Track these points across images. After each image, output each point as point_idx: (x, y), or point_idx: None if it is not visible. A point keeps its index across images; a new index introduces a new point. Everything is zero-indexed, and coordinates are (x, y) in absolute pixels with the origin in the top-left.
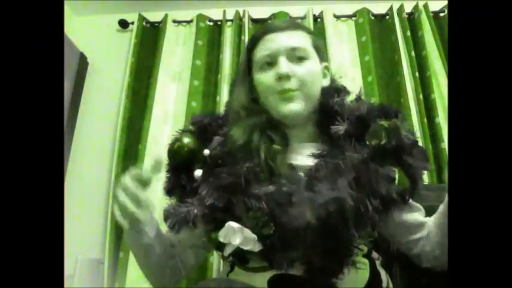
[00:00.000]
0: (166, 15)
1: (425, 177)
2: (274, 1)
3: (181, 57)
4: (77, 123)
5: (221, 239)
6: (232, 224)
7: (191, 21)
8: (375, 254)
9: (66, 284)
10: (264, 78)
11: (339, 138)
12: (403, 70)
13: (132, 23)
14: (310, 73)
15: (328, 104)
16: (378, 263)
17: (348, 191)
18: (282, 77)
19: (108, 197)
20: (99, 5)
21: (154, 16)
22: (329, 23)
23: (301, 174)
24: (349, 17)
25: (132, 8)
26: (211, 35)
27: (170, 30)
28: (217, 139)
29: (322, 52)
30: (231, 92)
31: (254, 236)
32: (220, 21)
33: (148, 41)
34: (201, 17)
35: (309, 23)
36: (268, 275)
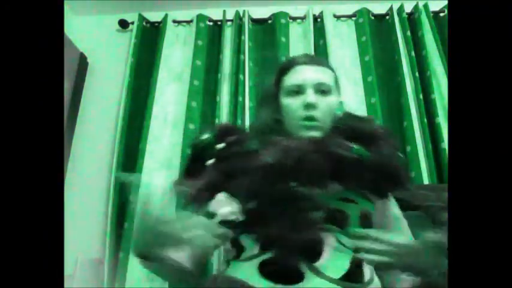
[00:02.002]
0: (166, 15)
1: (425, 178)
2: (274, 1)
3: (181, 57)
4: (77, 123)
5: (211, 208)
6: (220, 196)
7: (191, 21)
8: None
9: (66, 284)
10: (292, 104)
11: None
12: (403, 70)
13: (132, 23)
14: (331, 106)
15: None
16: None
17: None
18: (309, 106)
19: (108, 197)
20: (99, 5)
21: (154, 16)
22: (329, 23)
23: None
24: (349, 17)
25: (132, 8)
26: (211, 35)
27: (170, 30)
28: (229, 138)
29: (339, 87)
30: (258, 110)
31: (237, 208)
32: (220, 21)
33: (148, 41)
34: (201, 17)
35: (309, 23)
36: (258, 261)
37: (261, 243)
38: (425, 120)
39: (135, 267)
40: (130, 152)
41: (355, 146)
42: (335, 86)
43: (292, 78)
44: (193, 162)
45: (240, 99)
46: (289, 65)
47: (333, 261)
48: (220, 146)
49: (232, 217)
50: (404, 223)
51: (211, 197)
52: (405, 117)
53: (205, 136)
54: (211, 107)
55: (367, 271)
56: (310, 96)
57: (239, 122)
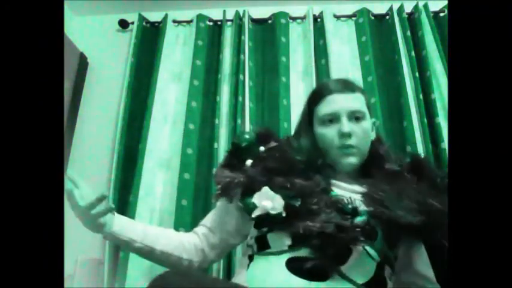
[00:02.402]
0: (166, 15)
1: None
2: (274, 1)
3: (181, 57)
4: (77, 123)
5: (255, 200)
6: (267, 189)
7: (191, 21)
8: (387, 270)
9: (66, 284)
10: (327, 133)
11: (388, 175)
12: (403, 70)
13: (132, 23)
14: (365, 132)
15: (376, 151)
16: (387, 273)
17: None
18: (344, 135)
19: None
20: (99, 5)
21: (154, 16)
22: (329, 23)
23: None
24: (349, 17)
25: (132, 8)
26: (211, 35)
27: (170, 30)
28: (272, 143)
29: (370, 108)
30: (296, 136)
31: (282, 203)
32: (220, 21)
33: (148, 41)
34: (201, 17)
35: (309, 23)
36: (286, 257)
37: (295, 239)
38: (425, 120)
39: (135, 267)
40: (130, 152)
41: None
42: (367, 110)
43: (326, 108)
44: (232, 158)
45: (240, 99)
46: (321, 94)
47: (359, 267)
48: (262, 148)
49: (274, 212)
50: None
51: (252, 190)
52: (405, 117)
53: (248, 136)
54: (211, 107)
55: (390, 283)
56: (345, 125)
57: (239, 122)
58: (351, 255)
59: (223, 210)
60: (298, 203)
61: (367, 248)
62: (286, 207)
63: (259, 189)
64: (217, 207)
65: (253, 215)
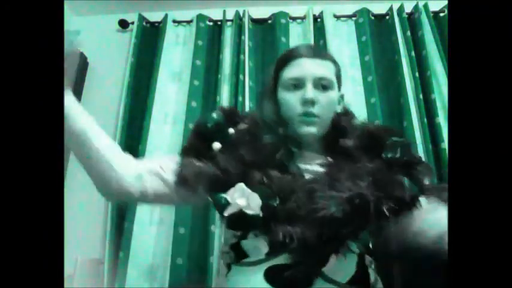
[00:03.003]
0: (166, 15)
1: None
2: (274, 1)
3: (181, 57)
4: None
5: (228, 198)
6: (243, 186)
7: (191, 21)
8: (367, 258)
9: (66, 284)
10: (290, 98)
11: (345, 151)
12: (403, 70)
13: (132, 23)
14: (330, 102)
15: (338, 122)
16: (368, 263)
17: (369, 189)
18: (308, 102)
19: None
20: (99, 5)
21: (154, 16)
22: (329, 23)
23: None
24: (349, 17)
25: (132, 8)
26: (211, 35)
27: (170, 30)
28: (242, 125)
29: (341, 80)
30: (259, 105)
31: (259, 202)
32: (220, 21)
33: (148, 41)
34: (201, 17)
35: (309, 23)
36: (264, 267)
37: (273, 245)
38: (425, 120)
39: (135, 267)
40: (131, 152)
41: (406, 183)
42: (336, 80)
43: (291, 71)
44: (197, 140)
45: (240, 99)
46: (289, 57)
47: (340, 265)
48: (232, 131)
49: (250, 212)
50: None
51: (223, 184)
52: (405, 117)
53: (215, 115)
54: (211, 107)
55: (372, 273)
56: (309, 91)
57: None
58: (332, 255)
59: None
60: (276, 203)
61: (347, 243)
62: (263, 207)
63: (232, 183)
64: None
65: (225, 213)
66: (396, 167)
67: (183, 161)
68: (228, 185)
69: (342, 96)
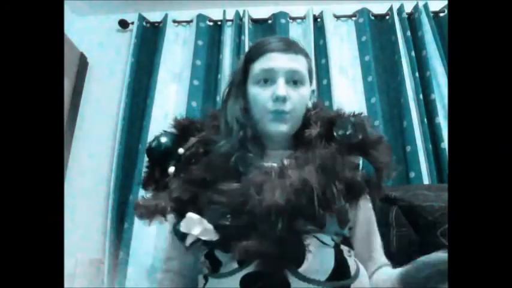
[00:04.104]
0: (166, 15)
1: (425, 178)
2: (274, 1)
3: (181, 57)
4: (77, 123)
5: (182, 229)
6: (192, 215)
7: (191, 21)
8: (345, 249)
9: (66, 284)
10: (260, 94)
11: (311, 141)
12: (403, 70)
13: (132, 23)
14: (302, 98)
15: (307, 116)
16: (346, 253)
17: (313, 174)
18: (279, 99)
19: (108, 197)
20: (99, 5)
21: (154, 16)
22: (329, 23)
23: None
24: (349, 17)
25: (132, 8)
26: (211, 35)
27: (170, 30)
28: (192, 140)
29: (312, 74)
30: (225, 100)
31: (211, 226)
32: (220, 21)
33: (148, 41)
34: (201, 17)
35: (309, 23)
36: (239, 276)
37: (238, 258)
38: (425, 120)
39: (135, 267)
40: (130, 152)
41: (360, 162)
42: (308, 75)
43: (262, 65)
44: (151, 169)
45: None
46: (260, 50)
47: (317, 262)
48: (182, 150)
49: (206, 238)
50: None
51: (182, 214)
52: (405, 117)
53: (164, 138)
54: (211, 107)
55: (352, 263)
56: (281, 88)
57: None
58: (306, 253)
59: (175, 247)
60: (228, 222)
61: (319, 236)
62: (217, 228)
63: (185, 211)
64: (168, 246)
65: (186, 245)
66: (349, 147)
67: (138, 200)
68: (184, 213)
69: (313, 91)
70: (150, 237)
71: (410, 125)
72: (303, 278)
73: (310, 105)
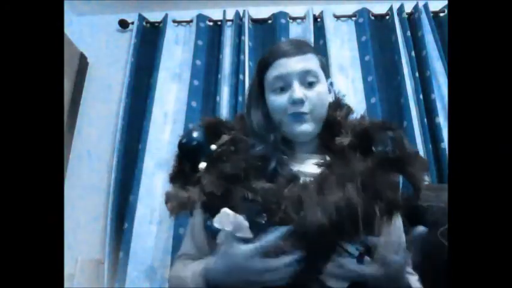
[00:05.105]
0: (166, 15)
1: (425, 178)
2: (274, 1)
3: (181, 57)
4: (77, 123)
5: (216, 225)
6: (227, 211)
7: (191, 21)
8: (366, 259)
9: (66, 284)
10: (278, 101)
11: (342, 150)
12: (403, 70)
13: (132, 23)
14: (320, 96)
15: (333, 117)
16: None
17: (356, 193)
18: (296, 102)
19: (108, 197)
20: (99, 5)
21: (154, 16)
22: (329, 23)
23: (307, 179)
24: (349, 17)
25: (132, 8)
26: (211, 35)
27: (170, 30)
28: (225, 137)
29: (327, 69)
30: (247, 110)
31: (247, 224)
32: (220, 21)
33: (148, 41)
34: (201, 17)
35: (309, 23)
36: None
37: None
38: (425, 120)
39: (135, 267)
40: (131, 152)
41: (400, 180)
42: (322, 72)
43: (275, 73)
44: (183, 164)
45: (240, 99)
46: (270, 59)
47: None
48: (214, 147)
49: (241, 234)
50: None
51: (214, 209)
52: (405, 117)
53: (196, 133)
54: (211, 107)
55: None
56: (296, 91)
57: None
58: (329, 261)
59: (196, 232)
60: (264, 220)
61: (345, 245)
62: (252, 226)
63: (218, 206)
64: (189, 232)
65: (218, 241)
66: (388, 164)
67: (170, 191)
68: (217, 208)
69: (331, 84)
70: (150, 237)
71: (410, 125)
72: (324, 286)
73: (330, 98)
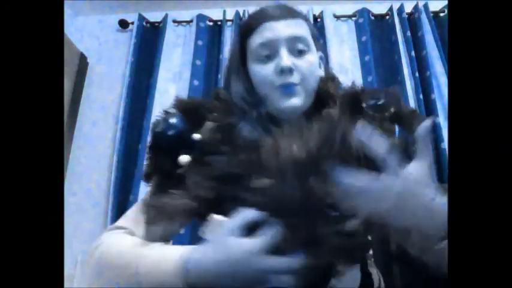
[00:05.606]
0: (166, 15)
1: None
2: (274, 1)
3: (181, 57)
4: (77, 123)
5: (208, 237)
6: (218, 218)
7: (191, 21)
8: (370, 263)
9: (66, 284)
10: (263, 71)
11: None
12: (403, 70)
13: (132, 23)
14: (311, 66)
15: (324, 90)
16: (369, 262)
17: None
18: (284, 71)
19: (108, 197)
20: (99, 5)
21: (154, 16)
22: (329, 23)
23: None
24: (349, 17)
25: (132, 8)
26: (211, 35)
27: (170, 30)
28: (209, 124)
29: (318, 40)
30: (226, 83)
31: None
32: (220, 21)
33: (148, 41)
34: (201, 17)
35: None
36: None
37: None
38: None
39: None
40: (130, 152)
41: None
42: (312, 40)
43: (260, 39)
44: (157, 157)
45: None
46: (255, 22)
47: (347, 272)
48: (198, 136)
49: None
50: None
51: (203, 217)
52: None
53: (173, 119)
54: None
55: (376, 277)
56: (285, 58)
57: None
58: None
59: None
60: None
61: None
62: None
63: (208, 211)
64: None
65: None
66: (381, 121)
67: (148, 198)
68: (205, 214)
69: (321, 58)
70: None
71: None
72: None
73: (321, 73)
